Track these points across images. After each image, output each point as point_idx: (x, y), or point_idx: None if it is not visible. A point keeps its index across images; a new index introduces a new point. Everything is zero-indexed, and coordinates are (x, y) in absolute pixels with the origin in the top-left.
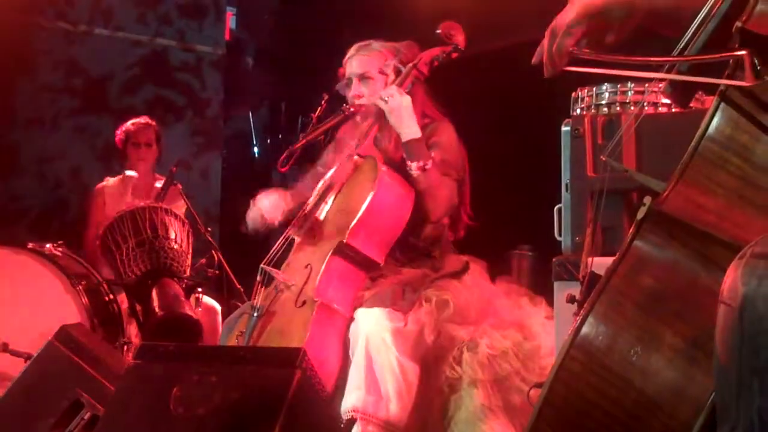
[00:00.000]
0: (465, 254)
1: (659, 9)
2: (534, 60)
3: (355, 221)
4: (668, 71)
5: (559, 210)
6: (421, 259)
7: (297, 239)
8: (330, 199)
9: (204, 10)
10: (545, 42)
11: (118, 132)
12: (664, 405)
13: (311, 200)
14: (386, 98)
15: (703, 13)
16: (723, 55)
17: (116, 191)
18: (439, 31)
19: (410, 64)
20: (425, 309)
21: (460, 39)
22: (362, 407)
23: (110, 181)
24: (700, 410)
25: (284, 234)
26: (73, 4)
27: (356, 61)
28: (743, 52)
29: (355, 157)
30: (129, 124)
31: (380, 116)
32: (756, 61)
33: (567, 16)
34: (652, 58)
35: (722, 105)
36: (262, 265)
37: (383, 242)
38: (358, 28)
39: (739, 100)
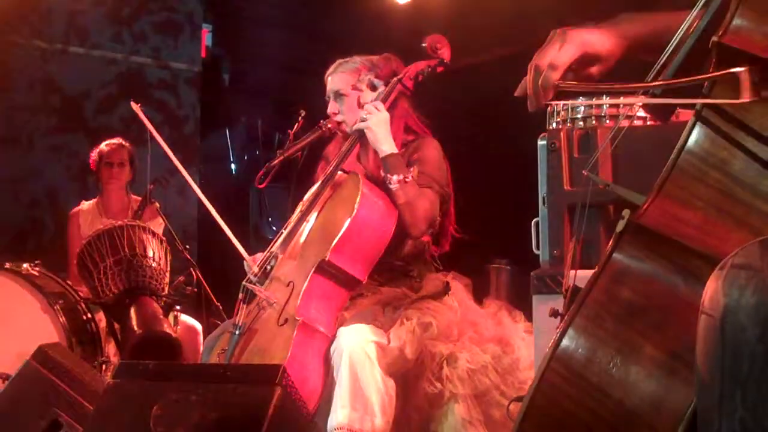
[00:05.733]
0: (445, 269)
1: (639, 39)
2: (517, 93)
3: (337, 239)
4: (646, 93)
5: (537, 223)
6: (399, 278)
7: (280, 256)
8: (313, 216)
9: (179, 28)
10: (529, 76)
11: (93, 154)
12: (643, 417)
13: (294, 217)
14: (365, 116)
15: (682, 31)
16: (719, 74)
17: (91, 214)
18: (424, 45)
19: (395, 79)
20: (407, 327)
21: (445, 53)
22: (348, 424)
23: (85, 204)
24: (679, 421)
25: (266, 251)
26: (48, 22)
27: (333, 78)
28: (742, 69)
29: (339, 173)
30: (103, 145)
31: (361, 135)
32: (756, 79)
33: (550, 51)
34: (633, 84)
35: (700, 118)
36: (244, 283)
37: (366, 260)
38: (335, 46)
39: (715, 119)
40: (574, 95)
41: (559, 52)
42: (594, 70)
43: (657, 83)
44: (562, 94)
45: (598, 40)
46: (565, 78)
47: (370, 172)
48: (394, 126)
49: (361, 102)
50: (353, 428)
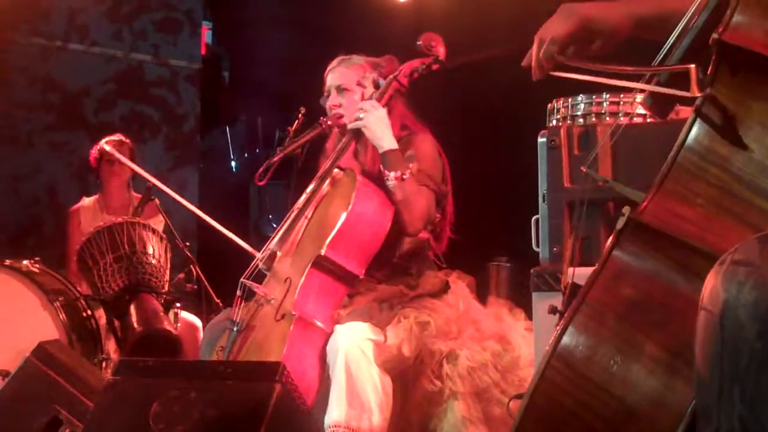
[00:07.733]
0: (447, 268)
1: (645, 18)
2: (524, 63)
3: (333, 234)
4: (648, 82)
5: (537, 221)
6: (397, 275)
7: (278, 253)
8: (310, 213)
9: (179, 25)
10: (534, 47)
11: (93, 151)
12: (644, 415)
13: (292, 214)
14: (359, 116)
15: (682, 24)
16: (675, 67)
17: (91, 211)
18: (419, 43)
19: (390, 76)
20: (404, 325)
21: (440, 50)
22: (345, 422)
23: (86, 201)
24: (680, 419)
25: (264, 247)
26: (48, 19)
27: (336, 72)
28: (692, 66)
29: (335, 170)
30: (103, 141)
31: (358, 132)
32: (700, 75)
33: (554, 24)
34: (626, 68)
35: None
36: (242, 280)
37: (362, 255)
38: (334, 44)
39: (715, 115)
40: (573, 69)
41: (561, 26)
42: (595, 47)
43: (638, 69)
44: (561, 68)
45: (602, 15)
46: (567, 53)
47: (366, 169)
48: (390, 124)
49: (365, 99)
50: (350, 426)
